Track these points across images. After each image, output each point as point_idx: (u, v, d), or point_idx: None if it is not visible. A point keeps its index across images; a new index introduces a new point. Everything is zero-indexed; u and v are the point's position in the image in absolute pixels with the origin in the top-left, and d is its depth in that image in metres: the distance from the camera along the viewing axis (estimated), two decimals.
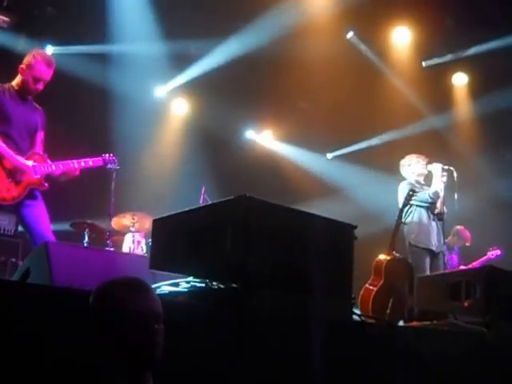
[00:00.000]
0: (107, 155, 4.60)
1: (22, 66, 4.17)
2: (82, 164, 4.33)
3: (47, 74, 4.18)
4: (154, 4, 7.30)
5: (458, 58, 8.06)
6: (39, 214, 4.10)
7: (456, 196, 5.59)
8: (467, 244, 7.61)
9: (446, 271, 5.43)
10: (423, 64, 8.32)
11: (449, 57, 8.12)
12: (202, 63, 8.05)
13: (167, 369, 1.84)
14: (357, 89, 8.11)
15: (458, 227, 7.54)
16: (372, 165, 8.54)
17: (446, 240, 6.52)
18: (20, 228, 5.50)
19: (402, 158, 6.04)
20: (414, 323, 3.84)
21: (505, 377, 3.22)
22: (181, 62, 8.03)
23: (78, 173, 4.31)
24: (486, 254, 7.41)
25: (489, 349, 3.21)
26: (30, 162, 4.12)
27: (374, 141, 8.89)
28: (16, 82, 4.20)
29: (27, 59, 4.17)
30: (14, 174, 4.05)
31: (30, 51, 4.27)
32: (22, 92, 4.19)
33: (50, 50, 7.17)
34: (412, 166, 5.87)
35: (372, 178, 8.48)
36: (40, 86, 4.18)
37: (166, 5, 7.23)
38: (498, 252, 7.44)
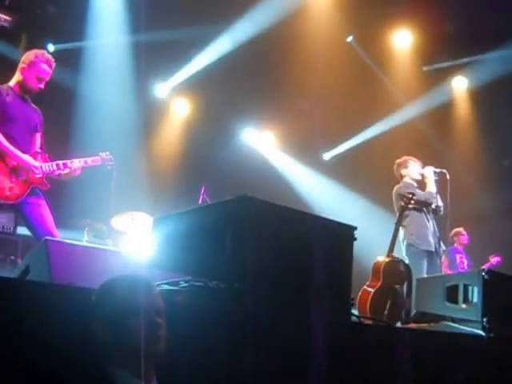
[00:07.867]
0: (104, 154, 4.61)
1: (22, 65, 4.14)
2: (82, 163, 4.34)
3: (48, 74, 4.19)
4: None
5: (458, 63, 8.10)
6: (43, 212, 4.09)
7: (448, 198, 5.62)
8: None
9: (443, 273, 5.46)
10: (424, 68, 8.36)
11: (449, 61, 8.16)
12: (201, 61, 8.08)
13: (165, 368, 1.86)
14: (356, 90, 8.14)
15: (458, 230, 7.76)
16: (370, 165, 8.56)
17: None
18: (19, 228, 5.50)
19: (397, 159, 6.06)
20: (412, 325, 3.85)
21: (502, 379, 3.23)
22: (181, 58, 8.06)
23: (79, 172, 4.33)
24: (488, 261, 7.69)
25: (486, 351, 3.23)
26: (34, 161, 4.12)
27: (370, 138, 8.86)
28: (15, 81, 4.16)
29: (28, 58, 4.15)
30: (17, 172, 4.05)
31: (29, 50, 4.27)
32: (23, 91, 4.17)
33: (51, 48, 7.18)
34: (408, 169, 5.87)
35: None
36: (42, 85, 4.18)
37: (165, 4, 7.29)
38: (498, 258, 7.75)
